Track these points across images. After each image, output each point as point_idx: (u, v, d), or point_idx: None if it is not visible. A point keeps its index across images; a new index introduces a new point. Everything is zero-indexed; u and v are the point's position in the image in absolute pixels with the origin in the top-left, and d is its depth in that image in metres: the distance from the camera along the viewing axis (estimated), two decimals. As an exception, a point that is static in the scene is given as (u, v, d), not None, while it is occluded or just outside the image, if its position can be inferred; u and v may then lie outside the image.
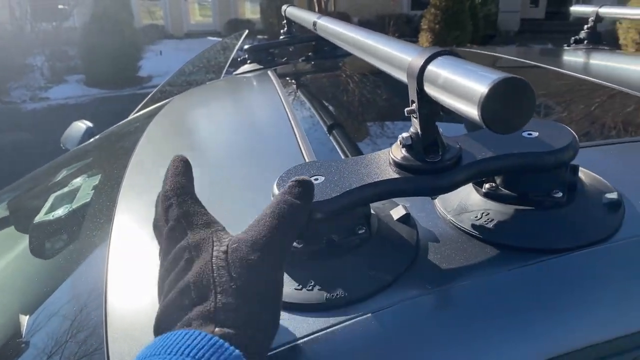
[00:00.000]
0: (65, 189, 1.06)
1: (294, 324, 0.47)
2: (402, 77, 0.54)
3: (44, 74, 9.38)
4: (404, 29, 12.53)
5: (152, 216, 0.51)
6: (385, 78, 1.06)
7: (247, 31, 3.05)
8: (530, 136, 0.56)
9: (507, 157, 0.53)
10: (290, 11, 1.61)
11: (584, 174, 0.60)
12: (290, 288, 0.50)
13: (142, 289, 0.60)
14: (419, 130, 0.52)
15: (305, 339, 0.46)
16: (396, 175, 0.52)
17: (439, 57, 0.49)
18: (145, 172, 0.92)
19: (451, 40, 9.64)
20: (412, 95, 0.52)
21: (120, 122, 1.77)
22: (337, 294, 0.49)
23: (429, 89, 0.49)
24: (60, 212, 0.96)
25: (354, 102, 1.24)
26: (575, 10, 1.96)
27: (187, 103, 1.33)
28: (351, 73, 1.48)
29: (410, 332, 0.47)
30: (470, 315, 0.48)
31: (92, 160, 1.32)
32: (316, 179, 0.53)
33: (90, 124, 1.94)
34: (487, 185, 0.58)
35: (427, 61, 0.49)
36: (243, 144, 0.96)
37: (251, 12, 15.15)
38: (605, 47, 1.79)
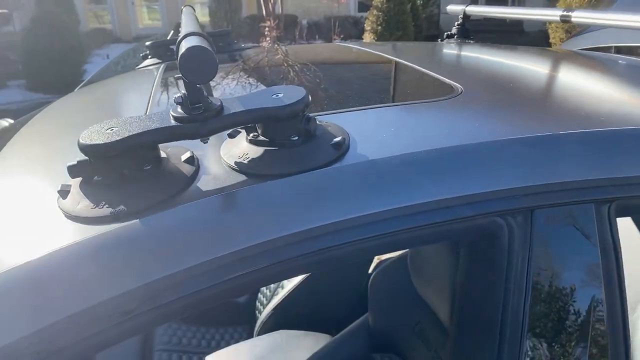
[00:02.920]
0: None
1: (87, 232, 0.66)
2: None
3: (-16, 79, 9.20)
4: (351, 31, 12.86)
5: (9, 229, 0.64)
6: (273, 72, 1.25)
7: (172, 32, 3.19)
8: (277, 96, 0.75)
9: (254, 111, 0.73)
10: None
11: (330, 127, 0.81)
12: (86, 207, 0.68)
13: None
14: (185, 92, 0.71)
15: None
16: (172, 124, 0.71)
17: (190, 37, 0.68)
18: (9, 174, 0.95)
19: (394, 40, 9.99)
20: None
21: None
22: (120, 210, 0.67)
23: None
24: None
25: (228, 88, 1.42)
26: (450, 9, 2.22)
27: (68, 103, 1.47)
28: (237, 66, 1.67)
29: (168, 230, 0.66)
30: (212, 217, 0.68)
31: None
32: (111, 129, 0.71)
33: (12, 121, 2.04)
34: (251, 134, 0.77)
35: (181, 39, 0.68)
36: None
37: (201, 15, 15.17)
38: (471, 41, 2.04)
